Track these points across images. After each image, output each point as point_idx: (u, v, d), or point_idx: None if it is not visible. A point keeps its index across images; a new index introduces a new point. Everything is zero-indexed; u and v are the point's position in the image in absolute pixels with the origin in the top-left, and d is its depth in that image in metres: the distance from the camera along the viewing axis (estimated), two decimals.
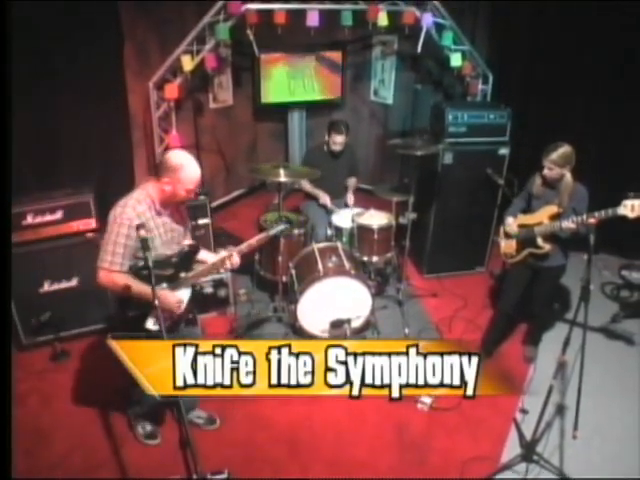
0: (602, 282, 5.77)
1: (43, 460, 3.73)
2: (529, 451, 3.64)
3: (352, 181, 5.87)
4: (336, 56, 7.40)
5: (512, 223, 4.29)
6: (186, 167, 3.11)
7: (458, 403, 4.19)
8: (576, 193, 3.96)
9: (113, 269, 3.09)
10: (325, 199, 5.58)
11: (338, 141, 5.46)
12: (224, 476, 3.37)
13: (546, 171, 3.95)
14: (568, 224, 3.80)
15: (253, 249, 3.58)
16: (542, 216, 4.08)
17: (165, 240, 3.25)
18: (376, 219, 5.10)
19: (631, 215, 3.49)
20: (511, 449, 3.84)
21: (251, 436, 3.95)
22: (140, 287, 3.12)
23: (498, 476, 3.62)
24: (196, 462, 2.69)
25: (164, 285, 3.27)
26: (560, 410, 4.04)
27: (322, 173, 4.91)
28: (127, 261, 3.12)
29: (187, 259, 3.38)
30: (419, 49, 5.85)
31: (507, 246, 4.40)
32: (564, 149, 3.87)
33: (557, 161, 3.87)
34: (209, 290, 5.07)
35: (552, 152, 3.88)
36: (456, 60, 6.08)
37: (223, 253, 3.48)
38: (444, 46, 6.06)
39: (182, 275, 3.35)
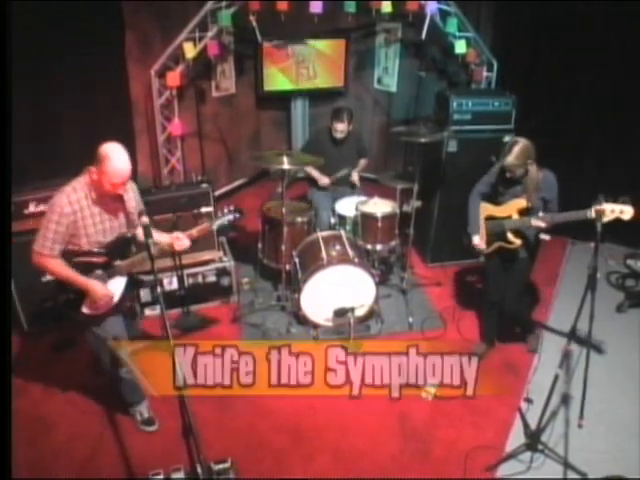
0: (607, 271, 5.73)
1: (45, 448, 3.73)
2: (534, 440, 3.62)
3: (361, 162, 5.86)
4: (339, 44, 7.33)
5: (478, 240, 4.16)
6: (111, 160, 3.06)
7: (462, 392, 4.18)
8: (544, 182, 3.87)
9: (43, 252, 3.18)
10: (324, 180, 5.58)
11: (339, 129, 5.43)
12: (227, 465, 3.37)
13: (508, 174, 3.85)
14: (538, 222, 3.75)
15: (194, 238, 3.53)
16: (511, 209, 4.00)
17: (100, 229, 3.29)
18: (380, 207, 5.07)
19: (601, 221, 3.32)
20: (516, 438, 3.82)
21: (254, 424, 3.95)
22: (69, 273, 3.24)
23: (502, 465, 3.61)
24: (199, 451, 2.67)
25: (98, 272, 3.33)
26: (565, 399, 4.01)
27: (325, 159, 4.88)
28: (57, 246, 3.18)
29: (122, 247, 3.42)
30: (424, 36, 5.79)
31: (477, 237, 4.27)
32: (519, 146, 3.75)
33: (516, 162, 3.76)
34: (212, 279, 5.06)
35: (507, 155, 3.75)
36: (460, 47, 6.02)
37: (177, 234, 3.47)
38: (448, 33, 6.01)
39: (117, 263, 3.39)
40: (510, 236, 4.04)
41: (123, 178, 3.14)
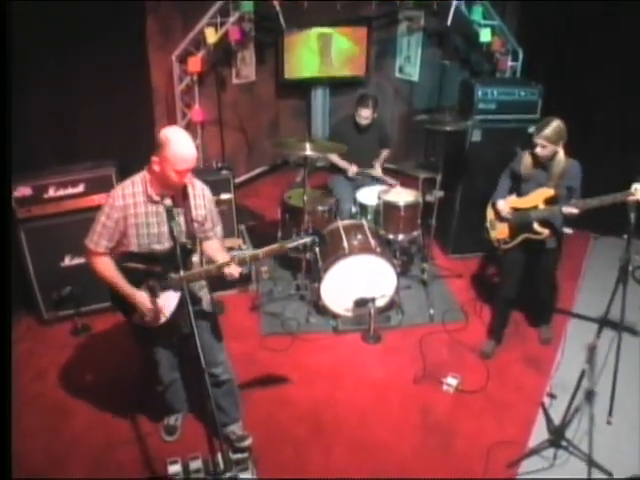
0: (633, 266, 5.61)
1: (63, 434, 3.70)
2: (557, 436, 3.54)
3: (383, 152, 5.80)
4: (361, 32, 7.25)
5: (504, 206, 4.12)
6: (173, 143, 2.75)
7: (484, 386, 4.12)
8: (569, 170, 3.83)
9: (89, 246, 2.92)
10: (352, 169, 5.50)
11: (364, 115, 5.37)
12: (245, 455, 3.34)
13: (539, 149, 3.79)
14: (569, 209, 3.68)
15: (259, 259, 3.14)
16: (537, 199, 3.94)
17: (154, 233, 2.94)
18: (403, 196, 5.00)
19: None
20: (538, 434, 3.74)
21: (273, 415, 3.90)
22: (114, 277, 2.95)
23: (525, 461, 3.53)
24: (222, 441, 2.64)
25: (150, 283, 2.99)
26: (590, 396, 3.93)
27: (349, 146, 4.82)
28: (104, 242, 2.90)
29: (179, 258, 2.87)
30: (449, 22, 5.70)
31: (500, 232, 4.24)
32: (556, 123, 3.72)
33: (550, 137, 3.72)
34: None
35: (544, 128, 3.72)
36: (485, 35, 5.94)
37: (235, 254, 3.07)
38: (473, 21, 5.92)
39: (171, 275, 2.96)
40: (537, 227, 3.97)
41: (188, 163, 2.81)
